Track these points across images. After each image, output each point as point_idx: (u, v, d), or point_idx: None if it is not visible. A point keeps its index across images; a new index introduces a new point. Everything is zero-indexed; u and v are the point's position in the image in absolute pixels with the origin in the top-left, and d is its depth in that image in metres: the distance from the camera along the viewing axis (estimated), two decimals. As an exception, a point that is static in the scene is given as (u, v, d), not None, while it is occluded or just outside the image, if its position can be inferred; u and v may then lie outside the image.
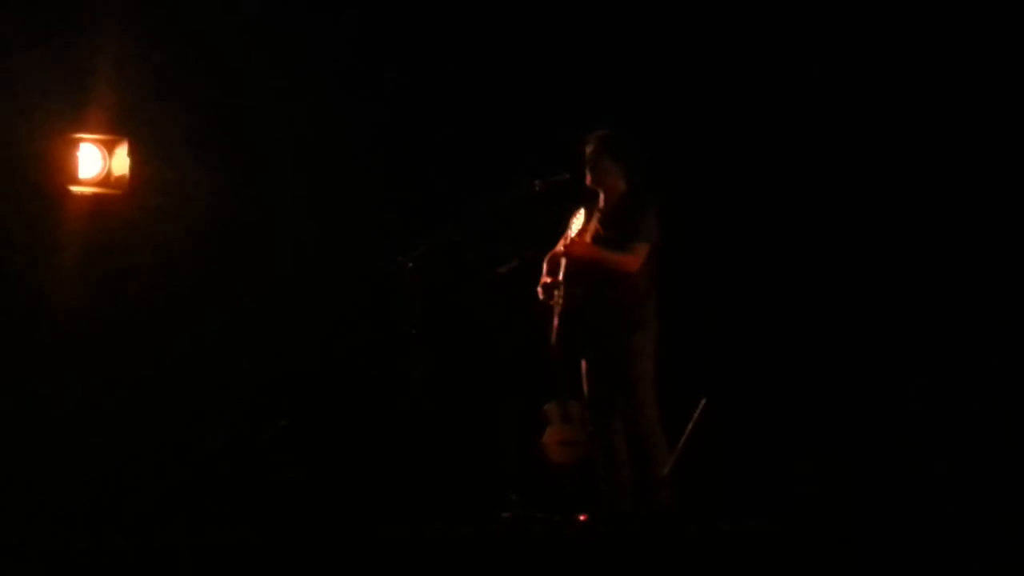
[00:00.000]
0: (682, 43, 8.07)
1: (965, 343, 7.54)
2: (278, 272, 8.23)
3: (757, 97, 7.96)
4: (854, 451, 7.35)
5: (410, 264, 7.30)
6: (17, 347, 7.73)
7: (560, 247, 7.11)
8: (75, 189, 7.91)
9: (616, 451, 6.99)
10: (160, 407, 7.95)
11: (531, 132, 8.00)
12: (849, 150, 7.78)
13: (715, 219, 7.90)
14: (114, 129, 7.95)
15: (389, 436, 7.91)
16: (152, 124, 8.06)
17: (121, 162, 7.92)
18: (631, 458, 6.94)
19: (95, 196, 7.94)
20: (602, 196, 7.17)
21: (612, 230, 7.05)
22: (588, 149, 7.12)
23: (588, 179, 7.13)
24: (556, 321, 7.06)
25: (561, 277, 7.07)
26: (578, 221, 7.11)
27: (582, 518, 6.82)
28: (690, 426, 6.86)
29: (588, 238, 7.08)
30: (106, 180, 7.92)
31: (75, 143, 7.87)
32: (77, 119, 7.91)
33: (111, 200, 7.97)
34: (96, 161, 7.90)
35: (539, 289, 7.13)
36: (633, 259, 6.96)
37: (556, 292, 7.06)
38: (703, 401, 6.87)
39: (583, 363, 7.14)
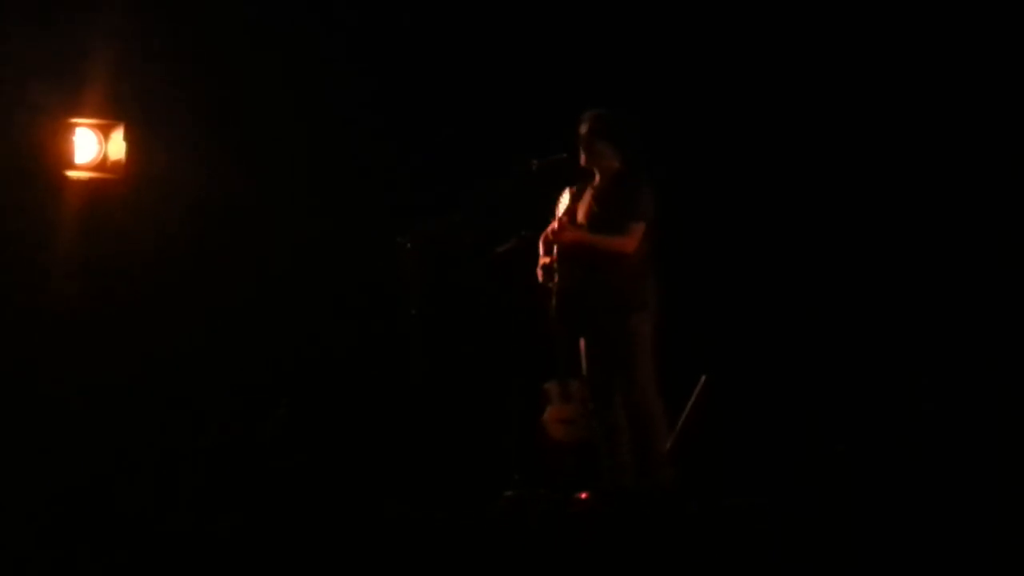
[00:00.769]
0: (676, 22, 8.08)
1: (963, 320, 7.57)
2: (276, 255, 8.24)
3: (754, 74, 7.98)
4: (854, 429, 7.36)
5: (409, 245, 7.31)
6: (15, 332, 7.72)
7: (550, 230, 7.09)
8: (71, 174, 7.89)
9: (617, 429, 6.95)
10: (158, 392, 7.95)
11: (528, 112, 8.00)
12: (854, 125, 7.79)
13: (717, 196, 7.91)
14: (110, 114, 7.94)
15: (390, 417, 7.92)
16: (148, 109, 8.05)
17: (117, 147, 7.91)
18: (632, 436, 6.92)
19: (91, 181, 7.93)
20: (597, 175, 7.16)
21: (607, 209, 7.01)
22: (582, 129, 7.06)
23: (582, 159, 7.07)
24: (554, 300, 7.07)
25: (556, 259, 7.06)
26: (564, 202, 7.10)
27: (583, 496, 6.82)
28: (691, 403, 6.87)
29: (583, 217, 7.07)
30: (102, 165, 7.91)
31: (71, 128, 7.85)
32: (73, 104, 7.89)
33: (107, 185, 7.96)
34: (92, 146, 7.89)
35: (539, 271, 7.11)
36: (629, 240, 6.92)
37: (556, 273, 7.06)
38: (703, 378, 6.87)
39: (582, 342, 7.14)
